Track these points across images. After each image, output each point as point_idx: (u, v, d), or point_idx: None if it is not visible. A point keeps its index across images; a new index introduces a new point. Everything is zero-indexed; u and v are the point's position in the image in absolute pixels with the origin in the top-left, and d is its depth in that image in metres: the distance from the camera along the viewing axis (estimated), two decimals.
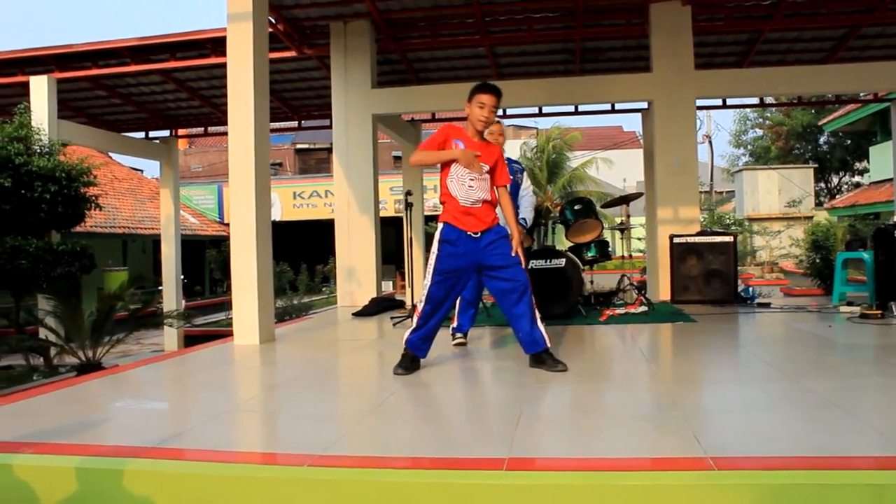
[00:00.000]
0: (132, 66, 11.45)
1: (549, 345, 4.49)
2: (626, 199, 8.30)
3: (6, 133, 10.40)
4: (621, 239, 8.53)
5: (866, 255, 7.79)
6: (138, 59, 11.39)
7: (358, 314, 8.33)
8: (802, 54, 11.42)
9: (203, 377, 5.08)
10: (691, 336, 6.03)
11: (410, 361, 4.58)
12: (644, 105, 11.59)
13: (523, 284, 4.43)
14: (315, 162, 32.73)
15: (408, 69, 11.47)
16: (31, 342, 10.16)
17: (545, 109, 13.01)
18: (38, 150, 10.75)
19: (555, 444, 3.03)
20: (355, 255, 9.81)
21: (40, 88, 11.70)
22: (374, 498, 2.58)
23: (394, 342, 6.25)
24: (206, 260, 23.38)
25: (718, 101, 12.90)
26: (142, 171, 28.36)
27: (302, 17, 9.67)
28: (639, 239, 16.10)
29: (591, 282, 8.12)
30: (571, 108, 13.02)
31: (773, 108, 29.09)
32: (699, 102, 10.10)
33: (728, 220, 21.94)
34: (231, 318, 6.50)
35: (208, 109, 14.12)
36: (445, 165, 4.48)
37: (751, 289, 8.78)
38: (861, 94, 14.63)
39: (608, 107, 12.83)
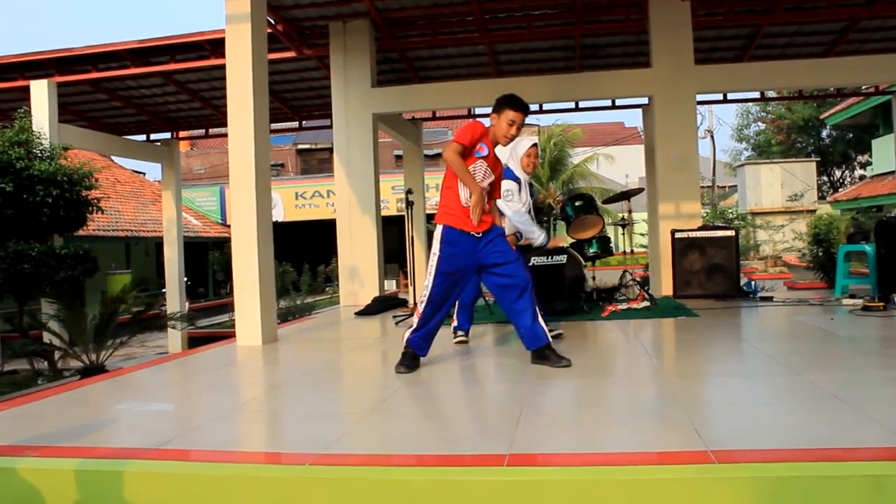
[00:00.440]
0: (132, 68, 11.47)
1: (550, 340, 4.50)
2: (627, 195, 8.29)
3: (7, 138, 10.41)
4: (623, 234, 8.52)
5: (868, 248, 7.78)
6: (138, 62, 11.41)
7: (360, 313, 8.34)
8: (802, 48, 11.41)
9: (206, 378, 5.09)
10: (693, 330, 6.03)
11: (412, 360, 4.59)
12: (644, 101, 11.58)
13: (524, 280, 4.44)
14: (317, 162, 32.73)
15: (408, 68, 11.48)
16: (35, 346, 10.18)
17: (546, 106, 13.02)
18: (40, 155, 10.77)
19: (556, 439, 3.03)
20: (357, 255, 9.82)
21: (41, 92, 11.71)
22: (376, 495, 2.59)
23: (396, 341, 6.24)
24: (210, 262, 23.38)
25: (719, 96, 12.88)
26: (144, 173, 28.43)
27: (301, 18, 9.67)
28: (641, 234, 16.09)
29: (594, 278, 8.11)
30: (572, 105, 13.02)
31: (775, 102, 29.03)
32: (699, 97, 10.10)
33: (731, 215, 21.92)
34: (234, 320, 6.51)
35: (209, 111, 14.13)
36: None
37: (753, 283, 8.77)
38: (862, 87, 14.59)
39: (609, 103, 12.83)
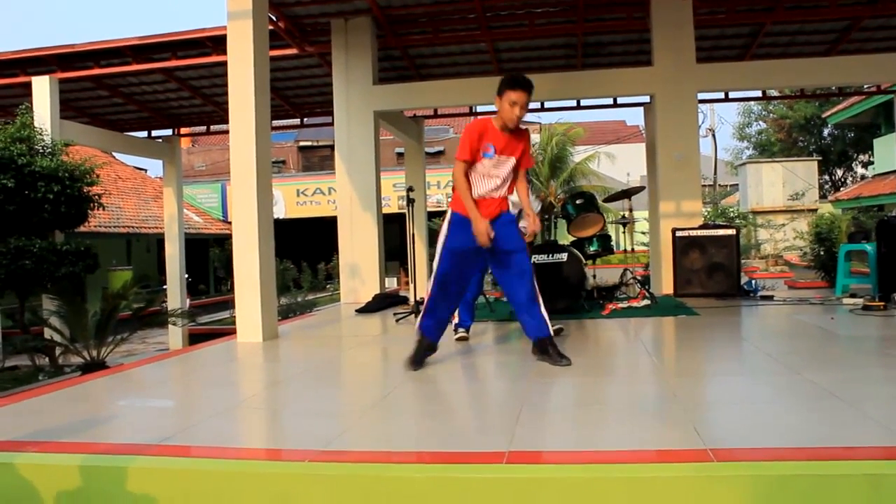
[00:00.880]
0: (134, 65, 11.47)
1: (552, 333, 4.49)
2: (628, 193, 8.30)
3: (9, 134, 10.41)
4: (624, 233, 8.53)
5: (869, 247, 7.78)
6: (140, 59, 11.41)
7: (361, 311, 8.34)
8: (804, 47, 11.39)
9: (206, 375, 5.10)
10: (694, 329, 6.04)
11: (425, 351, 4.55)
12: (646, 99, 11.57)
13: (528, 272, 4.44)
14: (318, 159, 32.70)
15: (409, 65, 11.47)
16: (36, 342, 10.19)
17: (547, 104, 13.02)
18: (41, 151, 10.76)
19: (555, 437, 3.04)
20: (358, 252, 9.82)
21: (42, 89, 11.72)
22: (376, 492, 2.59)
23: (397, 338, 6.27)
24: (210, 258, 23.40)
25: (721, 95, 12.87)
26: (145, 170, 28.40)
27: (302, 15, 9.67)
28: (642, 233, 16.09)
29: (594, 276, 8.11)
30: (574, 103, 13.02)
31: (776, 101, 29.01)
32: (701, 96, 10.09)
33: (732, 214, 21.93)
34: (235, 316, 6.52)
35: (211, 108, 14.13)
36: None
37: (754, 282, 8.78)
38: (864, 87, 14.58)
39: (610, 101, 12.81)
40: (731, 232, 8.42)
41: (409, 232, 7.62)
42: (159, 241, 19.69)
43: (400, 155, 22.21)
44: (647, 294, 7.62)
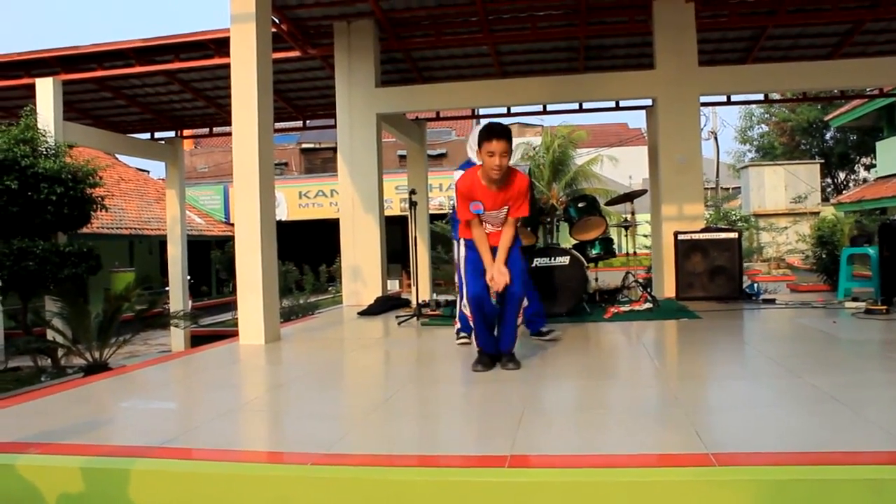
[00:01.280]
0: (137, 67, 11.50)
1: (510, 351, 4.64)
2: (630, 196, 8.30)
3: (12, 135, 10.43)
4: (626, 236, 8.53)
5: (871, 251, 7.77)
6: (143, 61, 11.44)
7: (363, 313, 8.34)
8: (807, 50, 11.39)
9: (208, 377, 5.10)
10: (696, 332, 6.03)
11: (490, 360, 4.63)
12: (648, 102, 11.58)
13: (517, 295, 4.53)
14: (321, 161, 32.72)
15: (412, 68, 11.49)
16: (39, 344, 10.19)
17: (549, 107, 13.02)
18: (44, 152, 10.78)
19: (557, 441, 3.04)
20: (360, 255, 9.82)
21: (46, 90, 11.74)
22: (377, 496, 2.60)
23: (399, 341, 6.28)
24: (213, 260, 23.39)
25: (723, 98, 12.87)
26: (148, 171, 28.41)
27: (305, 17, 9.68)
28: (644, 236, 16.09)
29: (596, 279, 8.11)
30: (576, 106, 13.03)
31: (779, 104, 29.01)
32: (703, 99, 10.09)
33: (734, 217, 21.92)
34: (237, 318, 6.53)
35: (213, 110, 14.16)
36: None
37: (756, 285, 8.77)
38: (867, 90, 14.57)
39: (612, 104, 12.82)
40: (733, 235, 8.41)
41: (412, 234, 7.63)
42: (161, 242, 19.73)
43: (402, 157, 22.21)
44: (648, 297, 7.61)
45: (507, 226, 4.57)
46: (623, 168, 28.45)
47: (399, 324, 7.17)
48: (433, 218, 14.47)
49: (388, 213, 10.73)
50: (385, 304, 8.71)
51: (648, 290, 7.92)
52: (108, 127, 14.74)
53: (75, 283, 10.56)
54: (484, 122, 4.54)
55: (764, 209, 24.57)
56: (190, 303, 17.18)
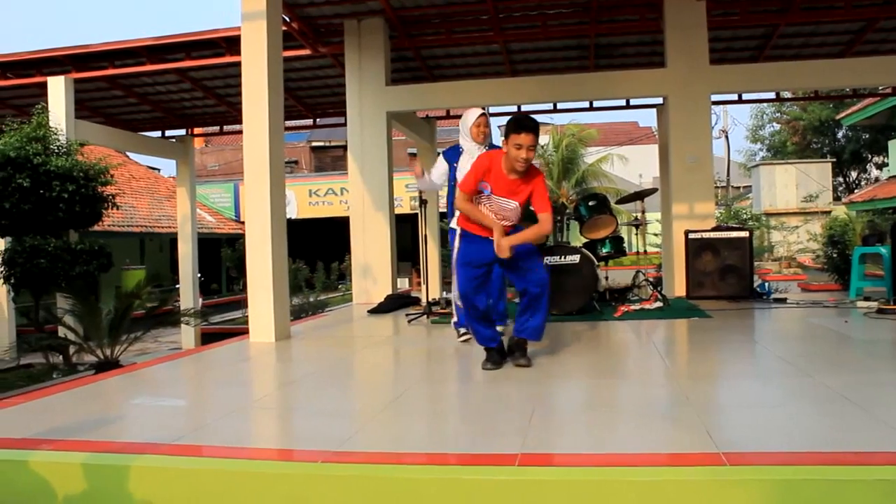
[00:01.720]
0: (148, 65, 11.54)
1: (529, 340, 4.59)
2: (640, 195, 8.28)
3: (25, 133, 10.48)
4: (636, 235, 8.51)
5: (883, 250, 7.72)
6: (154, 59, 11.47)
7: (373, 311, 8.35)
8: (819, 48, 11.32)
9: (219, 374, 5.12)
10: (706, 332, 6.02)
11: (497, 356, 4.61)
12: (659, 101, 11.54)
13: (546, 281, 4.45)
14: (331, 160, 32.79)
15: (422, 66, 11.49)
16: (51, 341, 10.25)
17: (560, 105, 13.00)
18: (56, 150, 10.83)
19: (567, 439, 3.04)
20: (370, 253, 9.83)
21: (58, 89, 11.81)
22: (387, 493, 2.60)
23: (409, 339, 6.28)
24: (223, 258, 23.46)
25: (734, 96, 12.81)
26: (159, 169, 28.51)
27: (316, 16, 9.70)
28: (654, 234, 16.04)
29: (606, 278, 8.10)
30: (586, 105, 13.00)
31: (790, 103, 28.86)
32: (714, 97, 10.05)
33: (745, 216, 21.82)
34: (247, 316, 6.54)
35: (224, 108, 14.19)
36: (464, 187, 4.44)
37: (767, 284, 8.73)
38: (879, 88, 14.47)
39: (623, 103, 12.77)
40: (744, 234, 8.37)
41: (422, 233, 7.62)
42: (172, 240, 19.77)
43: (412, 155, 22.22)
44: (659, 296, 7.59)
45: (541, 222, 4.42)
46: (633, 167, 28.38)
47: (409, 322, 7.17)
48: (443, 216, 14.39)
49: (398, 211, 10.74)
50: (395, 303, 8.72)
51: (659, 288, 7.91)
52: (120, 125, 14.80)
53: (87, 281, 10.60)
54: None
55: (775, 208, 24.45)
56: (200, 300, 17.23)
